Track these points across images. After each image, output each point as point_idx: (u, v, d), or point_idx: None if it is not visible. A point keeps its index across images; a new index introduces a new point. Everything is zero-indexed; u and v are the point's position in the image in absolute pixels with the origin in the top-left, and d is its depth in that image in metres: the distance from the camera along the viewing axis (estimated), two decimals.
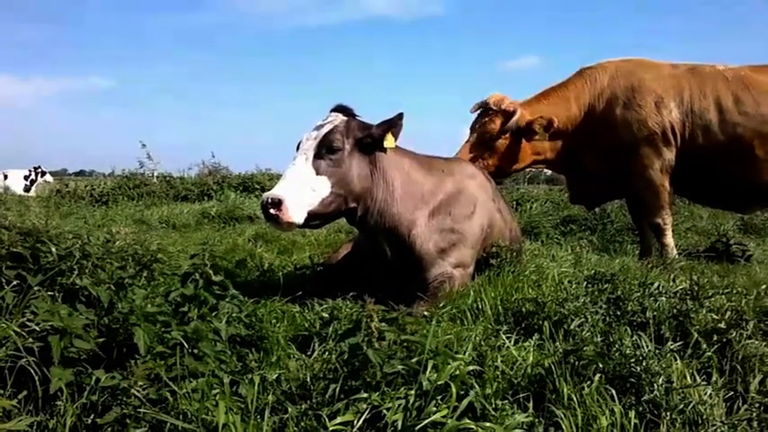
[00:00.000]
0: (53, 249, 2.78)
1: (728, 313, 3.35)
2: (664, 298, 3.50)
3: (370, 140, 3.89)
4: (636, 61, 6.01)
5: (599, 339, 2.83)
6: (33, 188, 23.17)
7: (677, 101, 5.61)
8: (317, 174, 3.75)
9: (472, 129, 5.93)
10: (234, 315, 3.15)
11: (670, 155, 5.63)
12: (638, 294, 3.51)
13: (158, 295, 2.96)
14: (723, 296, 3.63)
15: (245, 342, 3.14)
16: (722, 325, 3.17)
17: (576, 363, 2.50)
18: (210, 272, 3.09)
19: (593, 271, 4.13)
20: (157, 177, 14.07)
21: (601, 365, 2.46)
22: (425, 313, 3.63)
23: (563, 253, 5.66)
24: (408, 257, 4.02)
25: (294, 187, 3.69)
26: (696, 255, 6.13)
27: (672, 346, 2.82)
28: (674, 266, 4.90)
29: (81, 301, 2.80)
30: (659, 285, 3.79)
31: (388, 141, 3.91)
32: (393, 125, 3.93)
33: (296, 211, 3.65)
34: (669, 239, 5.79)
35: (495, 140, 5.71)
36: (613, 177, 5.89)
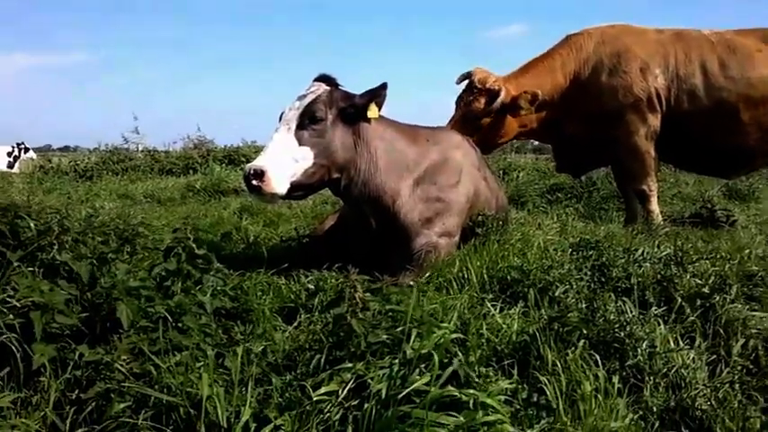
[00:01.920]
0: (32, 224, 2.73)
1: (712, 278, 3.39)
2: (648, 264, 3.51)
3: (353, 110, 3.85)
4: (621, 27, 5.99)
5: (583, 306, 2.84)
6: (17, 165, 22.92)
7: (662, 66, 5.60)
8: (300, 144, 3.70)
9: (457, 104, 5.90)
10: (219, 288, 3.13)
11: (655, 121, 5.63)
12: (623, 261, 3.52)
13: (141, 270, 2.92)
14: (707, 261, 3.66)
15: (231, 315, 3.13)
16: (706, 290, 3.20)
17: (561, 329, 2.51)
18: (194, 245, 3.06)
19: (578, 238, 4.12)
20: (142, 152, 13.93)
21: (585, 332, 2.47)
22: (411, 283, 3.64)
23: (549, 221, 5.65)
24: (393, 227, 4.00)
25: (277, 158, 3.65)
26: (681, 221, 6.14)
27: (656, 312, 2.83)
28: (659, 233, 4.92)
29: (62, 276, 2.75)
30: (644, 251, 3.80)
31: (372, 111, 3.88)
32: (377, 95, 3.89)
33: (279, 182, 3.61)
34: (654, 206, 5.82)
35: (480, 119, 5.70)
36: (599, 145, 5.89)
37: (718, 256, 3.78)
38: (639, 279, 3.24)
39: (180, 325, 2.58)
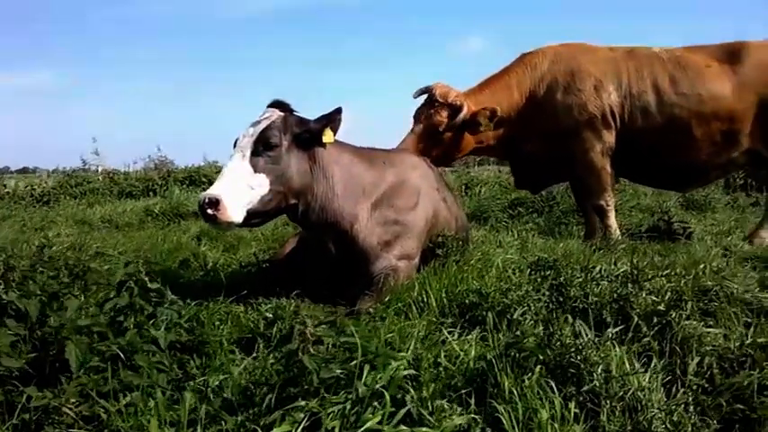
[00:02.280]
0: None
1: (668, 294, 3.44)
2: (605, 281, 3.54)
3: (308, 136, 3.82)
4: (575, 46, 6.08)
5: (541, 329, 2.85)
6: None
7: (615, 84, 5.70)
8: (255, 171, 3.66)
9: (416, 118, 5.92)
10: (173, 321, 3.08)
11: (610, 137, 5.72)
12: (580, 280, 3.54)
13: (93, 305, 2.85)
14: (663, 278, 3.70)
15: (187, 348, 3.07)
16: (662, 307, 3.23)
17: (517, 355, 2.50)
18: (146, 279, 3.00)
19: (537, 257, 4.14)
20: (101, 174, 13.68)
21: (541, 357, 2.46)
22: (370, 309, 3.62)
23: (509, 238, 5.71)
24: (352, 252, 3.98)
25: (232, 186, 3.60)
26: (639, 235, 6.20)
27: (611, 333, 2.84)
28: (617, 248, 4.98)
29: (10, 315, 2.69)
30: (601, 269, 3.82)
31: (327, 136, 3.85)
32: (332, 120, 3.87)
33: (234, 211, 3.57)
34: (612, 221, 5.90)
35: (441, 134, 5.72)
36: (556, 161, 5.96)
37: (674, 272, 3.82)
38: (596, 299, 3.26)
39: (132, 363, 2.52)
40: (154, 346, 2.78)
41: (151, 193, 12.70)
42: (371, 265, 3.97)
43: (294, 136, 3.81)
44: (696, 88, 5.57)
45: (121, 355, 2.53)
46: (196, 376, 2.78)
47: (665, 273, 3.83)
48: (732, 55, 5.70)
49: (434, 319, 3.30)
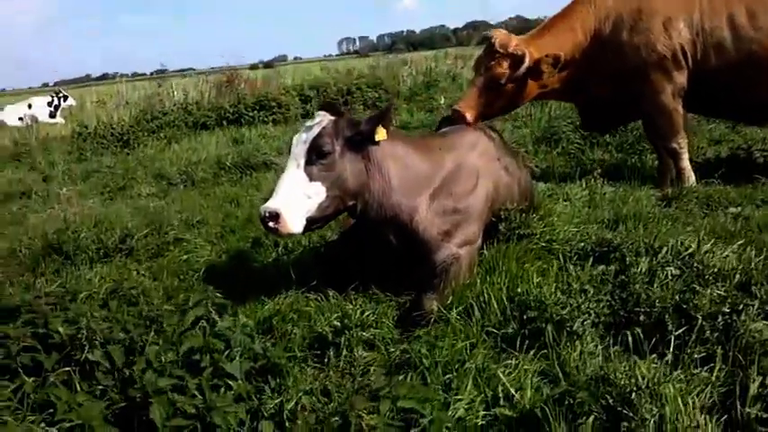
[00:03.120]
0: (61, 330, 2.88)
1: (736, 278, 3.39)
2: (670, 270, 3.49)
3: (360, 137, 3.82)
4: None
5: (598, 362, 2.90)
6: (58, 113, 23.40)
7: (687, 20, 5.33)
8: (311, 180, 3.72)
9: (476, 69, 5.74)
10: (247, 347, 3.26)
11: (681, 78, 5.41)
12: (644, 275, 3.51)
13: (169, 349, 3.05)
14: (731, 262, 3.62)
15: (262, 370, 3.27)
16: (726, 308, 3.19)
17: (571, 401, 2.57)
18: (216, 318, 3.19)
19: (599, 240, 4.07)
20: (174, 105, 14.00)
21: (594, 408, 2.52)
22: (434, 307, 3.72)
23: (577, 189, 5.59)
24: (413, 244, 4.03)
25: (289, 197, 3.68)
26: (714, 172, 5.91)
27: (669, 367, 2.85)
28: (689, 207, 4.85)
29: (98, 368, 2.95)
30: (666, 251, 3.76)
31: (380, 134, 3.83)
32: (383, 117, 3.84)
33: (294, 222, 3.66)
34: (686, 162, 5.68)
35: (504, 85, 5.53)
36: (625, 103, 5.72)
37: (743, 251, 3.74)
38: (659, 305, 3.22)
39: (208, 420, 2.74)
40: (230, 379, 3.02)
41: (224, 122, 13.00)
42: (433, 256, 4.02)
43: (346, 139, 3.81)
44: None
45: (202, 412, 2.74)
46: (272, 399, 3.01)
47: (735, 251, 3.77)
48: None
49: (495, 329, 3.36)
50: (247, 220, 5.70)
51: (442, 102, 12.73)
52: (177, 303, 3.51)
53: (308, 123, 3.88)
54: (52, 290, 3.64)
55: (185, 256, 4.88)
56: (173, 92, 18.85)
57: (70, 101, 24.77)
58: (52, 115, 23.17)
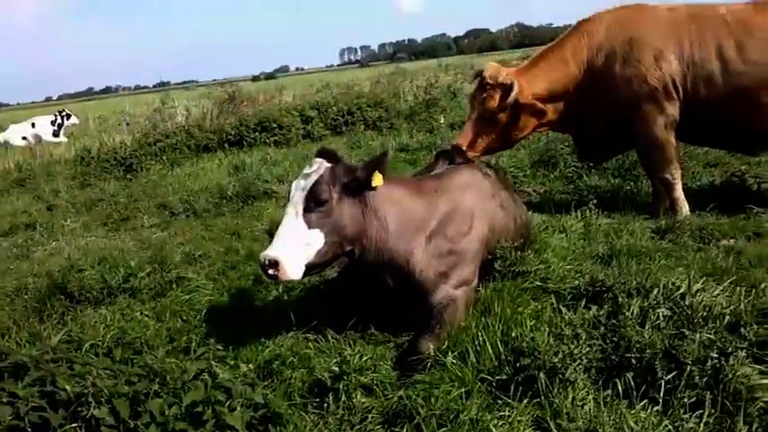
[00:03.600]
0: (68, 388, 2.97)
1: (726, 319, 3.47)
2: (660, 321, 3.56)
3: (356, 184, 3.91)
4: (632, 9, 5.77)
5: (590, 409, 2.97)
6: (62, 132, 23.61)
7: (677, 52, 5.42)
8: (310, 227, 3.80)
9: (472, 104, 5.85)
10: (247, 396, 3.34)
11: (673, 109, 5.51)
12: (635, 318, 3.58)
13: (173, 403, 3.13)
14: (720, 303, 3.70)
15: (263, 419, 3.36)
16: (714, 353, 3.27)
17: None
18: (218, 371, 3.28)
19: (591, 279, 4.15)
20: (177, 127, 14.13)
21: None
22: (431, 350, 3.79)
23: (572, 221, 5.67)
24: (410, 286, 4.12)
25: (289, 245, 3.76)
26: (709, 198, 5.98)
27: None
28: (682, 240, 4.93)
29: (104, 424, 3.04)
30: (658, 293, 3.83)
31: (376, 180, 3.92)
32: (379, 163, 3.93)
33: (293, 269, 3.75)
34: (679, 192, 5.77)
35: (496, 116, 5.64)
36: (619, 134, 5.81)
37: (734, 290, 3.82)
38: (649, 351, 3.29)
39: None
40: (231, 431, 3.11)
41: (226, 145, 13.15)
42: (430, 297, 4.11)
43: (343, 186, 3.90)
44: (764, 54, 5.22)
45: None
46: None
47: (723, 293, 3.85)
48: None
49: (489, 376, 3.44)
50: (248, 256, 5.79)
51: (442, 121, 12.85)
52: (179, 356, 3.58)
53: (306, 170, 3.97)
54: (58, 341, 3.72)
55: (187, 297, 4.95)
56: (175, 111, 19.05)
57: (73, 119, 25.01)
58: (56, 134, 23.39)
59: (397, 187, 4.19)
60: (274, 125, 13.38)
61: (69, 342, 3.80)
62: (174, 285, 5.19)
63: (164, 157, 12.56)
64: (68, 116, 24.58)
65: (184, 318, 4.68)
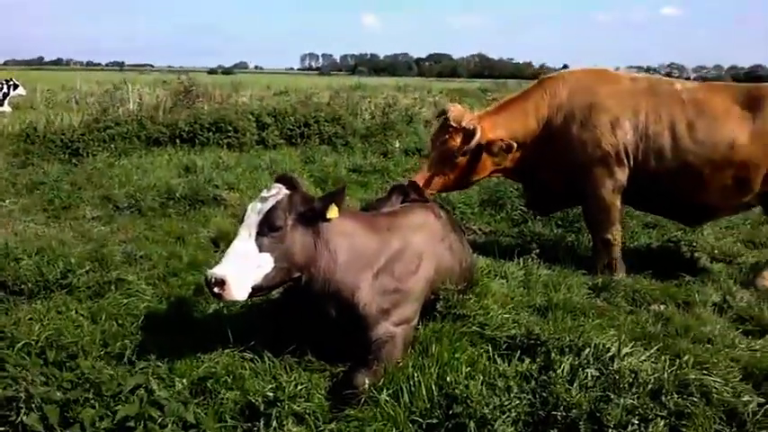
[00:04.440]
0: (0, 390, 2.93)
1: (649, 386, 3.64)
2: (588, 380, 3.71)
3: (312, 214, 3.96)
4: (595, 74, 6.03)
5: None
6: (6, 102, 23.00)
7: (633, 123, 5.67)
8: (260, 251, 3.82)
9: (433, 143, 5.98)
10: (179, 414, 3.33)
11: (622, 176, 5.74)
12: (565, 376, 3.72)
13: (104, 415, 3.11)
14: (646, 368, 3.87)
15: None
16: (635, 419, 3.43)
17: None
18: (155, 387, 3.27)
19: (527, 332, 4.29)
20: (129, 116, 13.84)
21: None
22: (366, 385, 3.86)
23: (514, 268, 5.83)
24: (352, 319, 4.17)
25: (237, 266, 3.77)
26: (643, 264, 6.25)
27: None
28: (616, 301, 5.14)
29: (33, 430, 3.00)
30: (588, 353, 3.98)
31: (332, 212, 3.98)
32: (336, 196, 4.00)
33: (239, 290, 3.75)
34: (617, 254, 6.01)
35: (455, 158, 5.78)
36: (568, 190, 6.00)
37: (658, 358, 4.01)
38: (575, 411, 3.43)
39: None
40: None
41: (178, 141, 12.93)
42: (370, 332, 4.17)
43: (299, 214, 3.94)
44: (713, 136, 5.52)
45: None
46: None
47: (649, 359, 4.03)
48: (754, 101, 5.60)
49: (421, 418, 3.52)
50: (191, 264, 5.75)
51: (398, 146, 13.00)
52: (112, 362, 3.56)
53: (264, 194, 3.99)
54: None
55: (126, 300, 4.89)
56: (128, 96, 18.70)
57: (20, 90, 24.41)
58: (0, 103, 22.71)
59: (350, 221, 4.26)
60: (229, 127, 13.23)
61: (2, 339, 3.71)
62: (113, 287, 5.09)
63: (112, 146, 12.23)
64: (15, 86, 23.94)
65: (120, 322, 4.60)
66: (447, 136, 5.82)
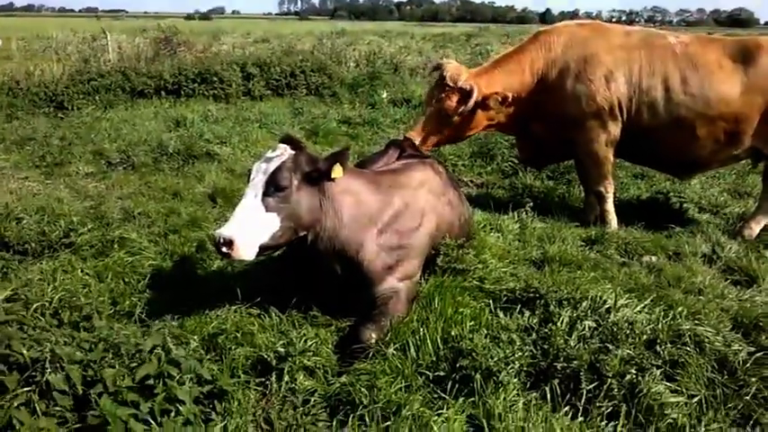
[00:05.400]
0: (25, 353, 3.01)
1: (645, 336, 3.81)
2: (586, 332, 3.87)
3: (317, 174, 4.02)
4: (590, 28, 6.05)
5: (519, 412, 3.25)
6: None
7: (627, 76, 5.72)
8: (267, 211, 3.89)
9: (428, 99, 6.01)
10: (196, 371, 3.45)
11: (615, 129, 5.82)
12: (564, 328, 3.87)
13: (125, 375, 3.21)
14: (641, 319, 4.03)
15: (210, 395, 3.47)
16: (632, 369, 3.60)
17: None
18: (172, 347, 3.37)
19: (525, 285, 4.43)
20: (111, 69, 13.63)
21: None
22: (372, 339, 3.99)
23: (509, 221, 5.95)
24: (357, 276, 4.28)
25: (244, 226, 3.84)
26: (634, 217, 6.39)
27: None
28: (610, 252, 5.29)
29: (57, 390, 3.10)
30: (586, 306, 4.13)
31: (336, 172, 4.04)
32: (340, 157, 4.05)
33: (247, 249, 3.83)
34: (610, 206, 6.14)
35: (451, 117, 5.81)
36: (561, 144, 6.09)
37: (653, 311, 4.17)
38: (575, 362, 3.59)
39: None
40: (180, 404, 3.22)
41: (163, 92, 12.84)
42: (375, 288, 4.28)
43: (304, 174, 4.01)
44: (705, 90, 5.59)
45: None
46: (218, 424, 3.25)
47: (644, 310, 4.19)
48: (746, 54, 5.65)
49: (428, 371, 3.66)
50: (191, 221, 5.80)
51: (384, 96, 12.96)
52: (123, 321, 3.67)
53: (269, 154, 4.04)
54: (3, 299, 3.71)
55: (130, 258, 4.95)
56: (107, 46, 18.33)
57: None
58: None
59: (354, 180, 4.32)
60: (215, 78, 13.14)
61: (15, 300, 3.78)
62: (116, 246, 5.15)
63: (96, 98, 12.15)
64: None
65: (127, 280, 4.69)
66: (443, 95, 5.83)
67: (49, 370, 3.04)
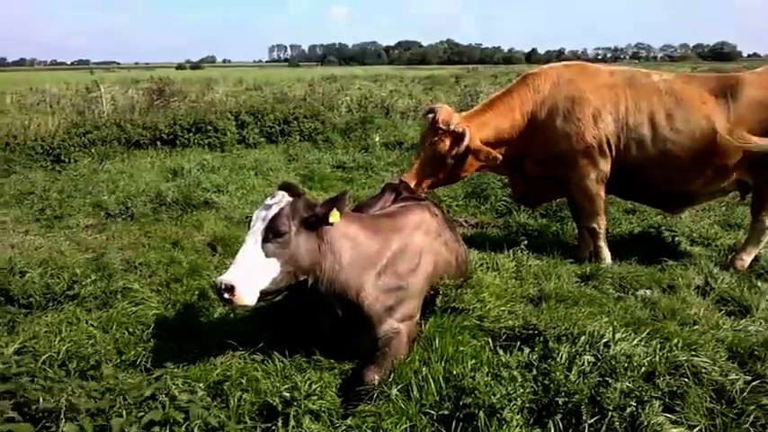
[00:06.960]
0: (41, 400, 3.07)
1: (642, 369, 3.88)
2: (585, 366, 3.93)
3: (315, 219, 4.13)
4: (576, 68, 6.22)
5: None
6: None
7: (614, 114, 5.88)
8: (267, 256, 3.98)
9: (422, 142, 6.15)
10: (203, 418, 3.50)
11: (605, 166, 5.97)
12: (563, 363, 3.94)
13: (133, 422, 3.26)
14: (638, 352, 4.11)
15: None
16: (632, 402, 3.66)
17: None
18: (176, 393, 3.43)
19: (523, 323, 4.50)
20: (107, 121, 13.81)
21: None
22: (375, 380, 4.05)
23: (505, 259, 6.05)
24: (358, 318, 4.35)
25: (245, 272, 3.92)
26: (629, 246, 6.53)
27: None
28: (605, 288, 5.37)
29: None
30: (584, 341, 4.20)
31: (334, 216, 4.15)
32: (337, 201, 4.17)
33: (248, 295, 3.91)
34: (603, 242, 6.25)
35: (445, 159, 5.95)
36: (554, 182, 6.22)
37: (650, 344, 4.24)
38: (576, 396, 3.65)
39: None
40: None
41: (158, 142, 13.04)
42: (376, 329, 4.36)
43: (302, 220, 4.11)
44: (690, 125, 5.74)
45: None
46: None
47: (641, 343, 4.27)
48: (728, 90, 5.82)
49: (432, 410, 3.71)
50: (192, 270, 5.87)
51: (377, 140, 13.16)
52: (128, 370, 3.71)
53: (268, 201, 4.16)
54: (13, 351, 3.78)
55: (134, 309, 5.01)
56: (101, 99, 18.58)
57: None
58: None
59: (352, 224, 4.43)
60: (209, 127, 13.37)
61: (24, 353, 3.85)
62: (119, 296, 5.22)
63: (93, 150, 12.32)
64: None
65: (131, 330, 4.74)
66: (436, 138, 5.98)
67: (63, 420, 3.09)
